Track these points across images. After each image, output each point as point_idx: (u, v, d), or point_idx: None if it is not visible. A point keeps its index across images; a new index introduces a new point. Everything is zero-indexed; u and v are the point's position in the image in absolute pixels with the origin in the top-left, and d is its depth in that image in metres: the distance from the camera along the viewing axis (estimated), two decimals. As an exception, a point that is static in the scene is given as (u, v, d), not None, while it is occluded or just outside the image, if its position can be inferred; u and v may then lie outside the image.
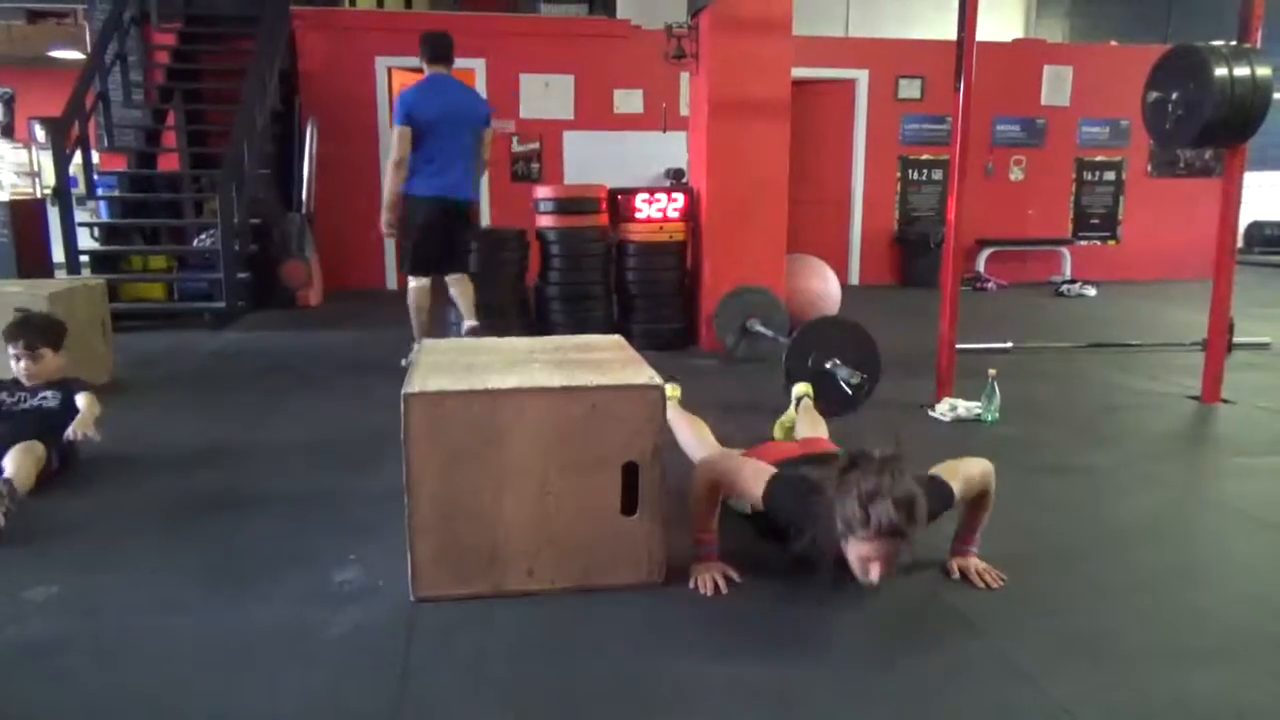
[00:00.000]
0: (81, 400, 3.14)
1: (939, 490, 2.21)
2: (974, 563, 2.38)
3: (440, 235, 4.74)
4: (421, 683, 1.86)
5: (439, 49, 4.81)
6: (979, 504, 2.38)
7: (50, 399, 3.18)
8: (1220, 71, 3.82)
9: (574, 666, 1.93)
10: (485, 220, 8.46)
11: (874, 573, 2.01)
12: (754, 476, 2.27)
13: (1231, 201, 4.15)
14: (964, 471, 2.32)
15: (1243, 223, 8.53)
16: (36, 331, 3.28)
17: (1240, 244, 9.90)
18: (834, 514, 2.02)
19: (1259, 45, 3.95)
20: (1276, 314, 6.91)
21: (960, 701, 1.82)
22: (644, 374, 2.28)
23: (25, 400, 3.17)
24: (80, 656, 1.95)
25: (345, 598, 2.22)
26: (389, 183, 4.66)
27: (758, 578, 2.34)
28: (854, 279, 9.29)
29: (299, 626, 2.08)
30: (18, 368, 3.23)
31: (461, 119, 4.74)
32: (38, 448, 2.90)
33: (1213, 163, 9.32)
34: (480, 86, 8.38)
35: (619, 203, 5.68)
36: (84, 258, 6.66)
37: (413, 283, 4.83)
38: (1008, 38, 10.17)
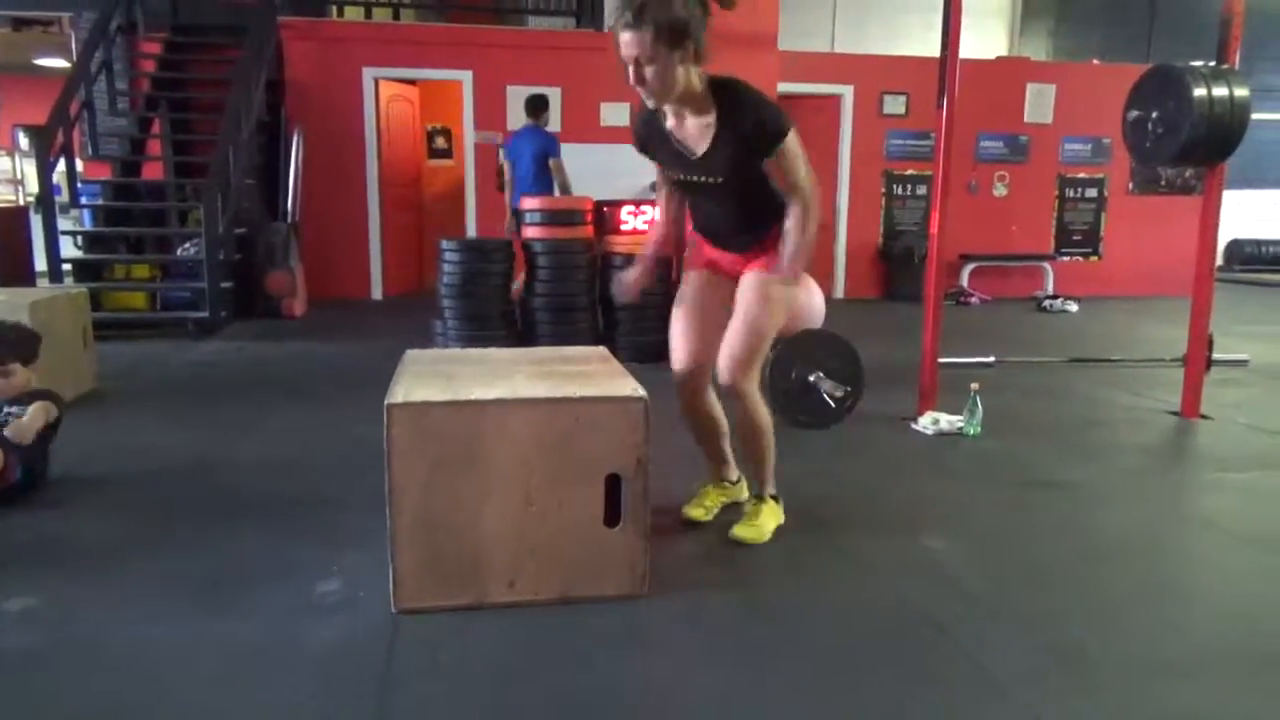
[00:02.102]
0: (31, 407, 3.00)
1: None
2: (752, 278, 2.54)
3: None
4: (403, 695, 1.85)
5: (528, 107, 6.97)
6: (795, 224, 2.45)
7: (17, 414, 3.00)
8: (1199, 91, 3.88)
9: (557, 678, 1.93)
10: (471, 231, 8.48)
11: (631, 77, 2.26)
12: None
13: (1211, 219, 4.20)
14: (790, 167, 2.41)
15: (1222, 240, 8.62)
16: (7, 346, 3.14)
17: (1220, 261, 10.01)
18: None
19: (1237, 66, 4.01)
20: (1255, 331, 6.99)
21: (933, 711, 1.82)
22: (628, 386, 2.29)
23: None
24: (57, 669, 1.93)
25: (327, 609, 2.21)
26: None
27: (740, 587, 2.35)
28: (838, 293, 9.34)
29: (280, 638, 2.07)
30: None
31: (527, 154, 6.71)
32: None
33: (1193, 181, 9.43)
34: (467, 98, 8.41)
35: (605, 215, 5.70)
36: (67, 266, 6.61)
37: None
38: (991, 55, 10.28)
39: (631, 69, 2.27)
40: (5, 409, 3.04)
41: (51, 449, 3.12)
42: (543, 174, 6.76)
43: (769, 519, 2.69)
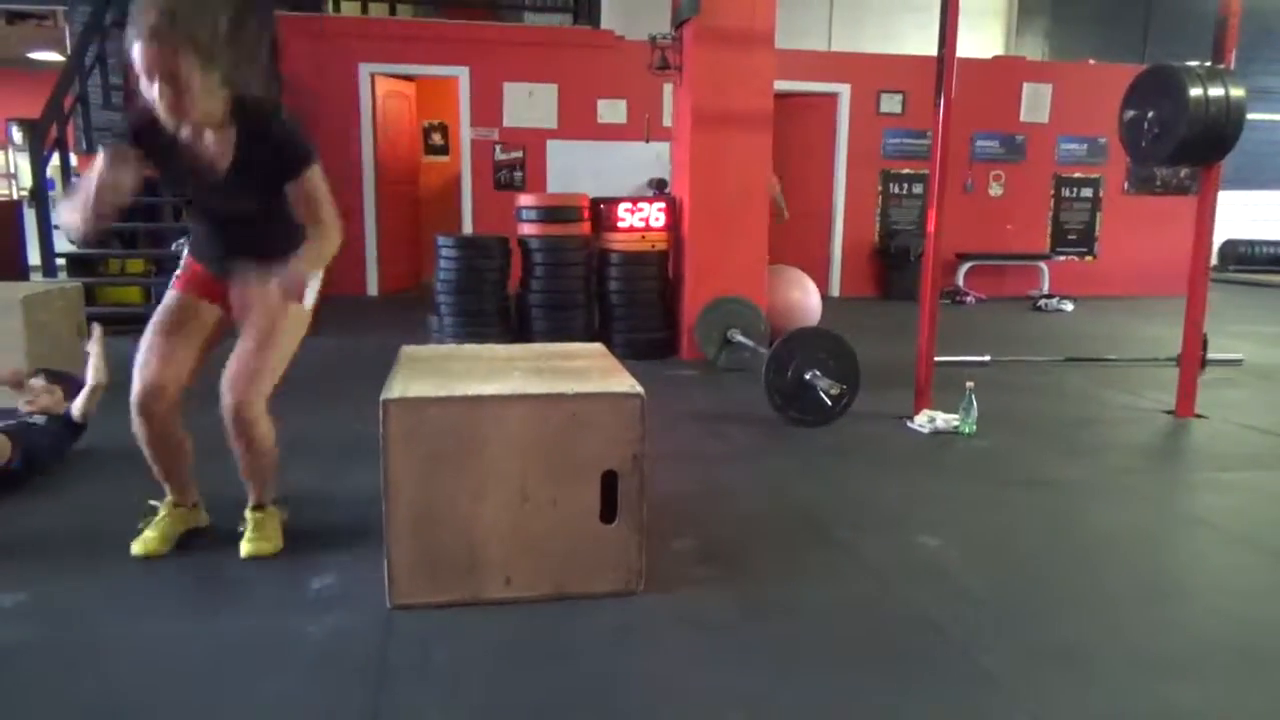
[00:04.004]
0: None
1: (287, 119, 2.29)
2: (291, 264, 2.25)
3: None
4: (397, 691, 1.85)
5: None
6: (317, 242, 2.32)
7: (38, 419, 3.23)
8: (1195, 92, 3.89)
9: (551, 675, 1.92)
10: (468, 228, 8.48)
11: (159, 94, 2.04)
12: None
13: (1206, 219, 4.21)
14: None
15: (1217, 240, 8.65)
16: (55, 373, 3.47)
17: (1214, 261, 10.05)
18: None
19: (1233, 67, 4.01)
20: (1250, 331, 7.01)
21: (930, 708, 1.82)
22: (624, 382, 2.28)
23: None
24: (48, 663, 1.92)
25: (322, 605, 2.21)
26: None
27: (735, 585, 2.35)
28: (835, 291, 9.35)
29: (275, 633, 2.06)
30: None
31: None
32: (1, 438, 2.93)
33: (1188, 181, 9.46)
34: (464, 94, 8.40)
35: (601, 212, 5.70)
36: (60, 261, 6.59)
37: None
38: (988, 55, 10.29)
39: (154, 84, 2.05)
40: (30, 417, 3.23)
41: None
42: None
43: (276, 525, 2.52)
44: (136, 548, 2.45)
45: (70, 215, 2.17)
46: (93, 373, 3.28)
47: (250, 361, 2.37)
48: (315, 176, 2.30)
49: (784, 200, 7.36)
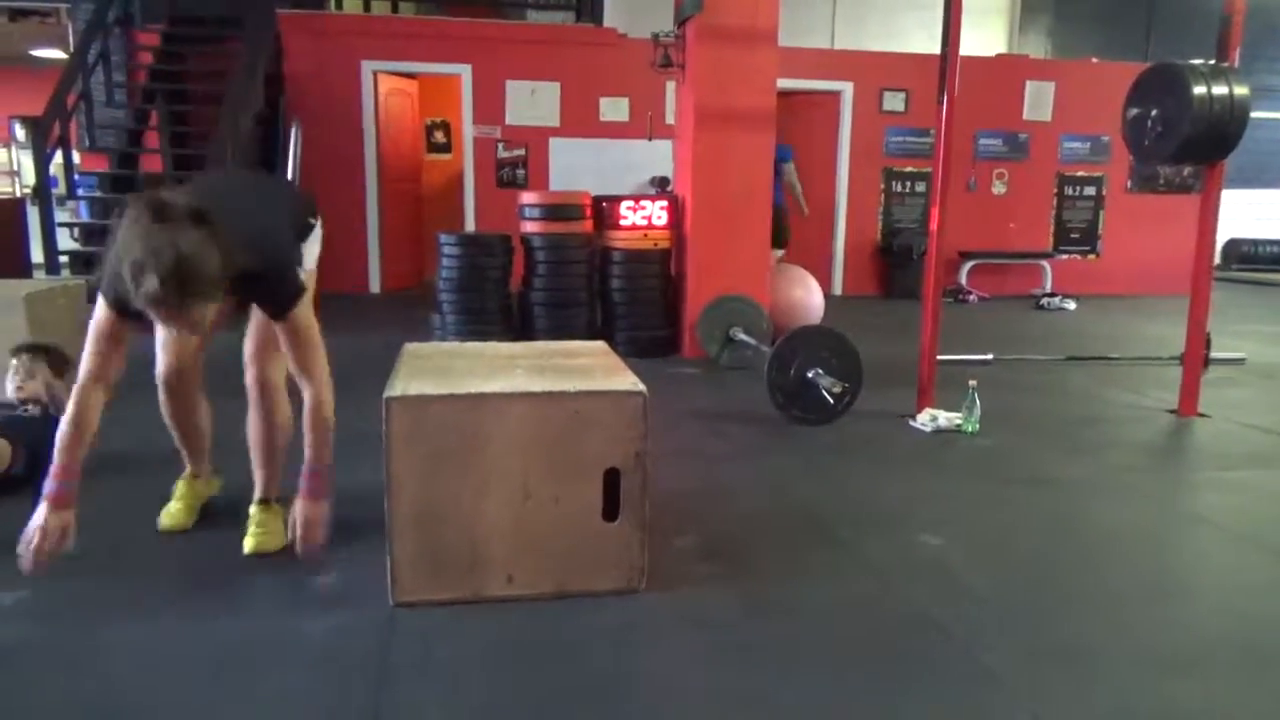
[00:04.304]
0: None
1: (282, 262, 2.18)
2: (301, 507, 2.19)
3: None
4: (399, 689, 1.85)
5: None
6: (309, 419, 2.21)
7: (33, 410, 3.18)
8: (1199, 90, 3.88)
9: (553, 673, 1.92)
10: (470, 225, 8.48)
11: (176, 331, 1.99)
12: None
13: (1209, 218, 4.20)
14: (302, 358, 2.23)
15: (1220, 239, 8.63)
16: (44, 352, 3.34)
17: (1218, 260, 10.04)
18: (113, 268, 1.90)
19: (1237, 65, 4.00)
20: (1253, 330, 7.00)
21: (936, 709, 1.82)
22: (627, 380, 2.28)
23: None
24: (49, 662, 1.93)
25: (324, 602, 2.21)
26: None
27: (737, 583, 2.35)
28: (837, 289, 9.34)
29: (277, 630, 2.07)
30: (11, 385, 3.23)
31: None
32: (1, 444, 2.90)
33: (1191, 180, 9.44)
34: (466, 92, 8.40)
35: (604, 210, 5.69)
36: (63, 258, 6.60)
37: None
38: (991, 53, 10.27)
39: (170, 328, 2.00)
40: (22, 408, 3.19)
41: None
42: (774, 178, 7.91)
43: (280, 521, 2.48)
44: (164, 520, 2.62)
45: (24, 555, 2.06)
46: None
47: (267, 333, 2.39)
48: (303, 316, 2.21)
49: (803, 197, 7.52)
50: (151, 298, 1.80)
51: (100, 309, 2.12)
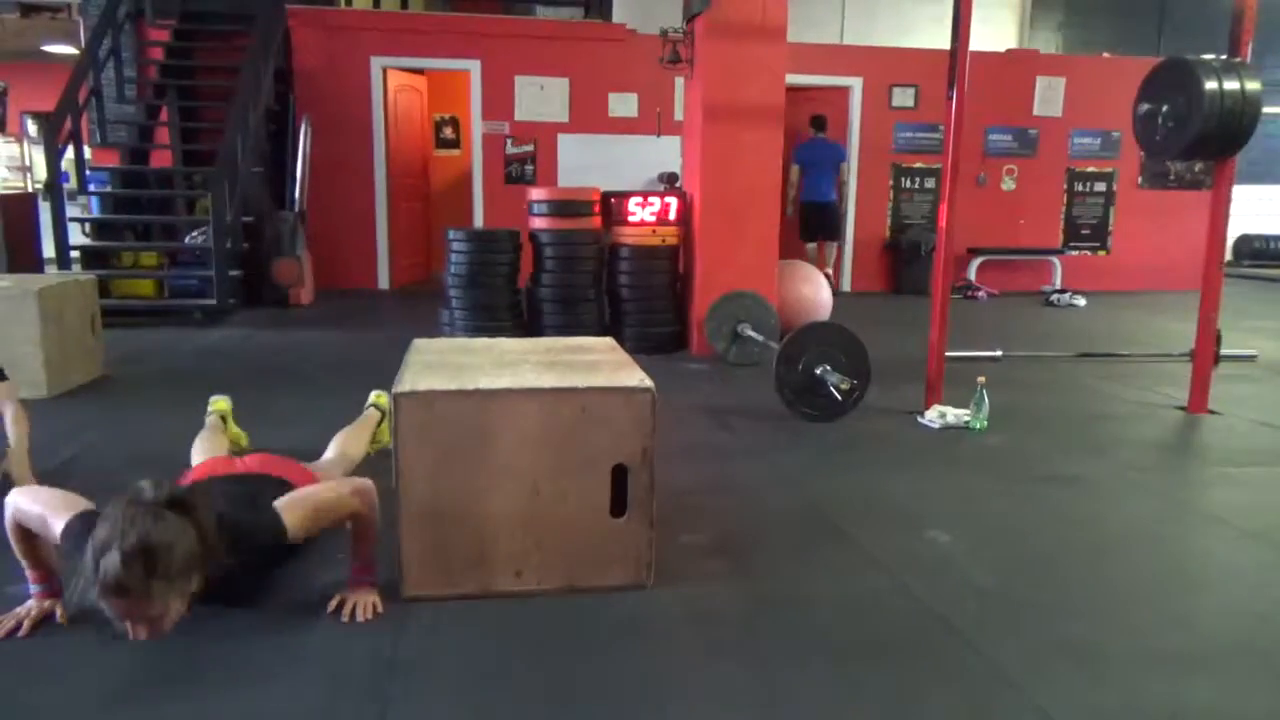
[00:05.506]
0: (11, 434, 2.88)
1: (255, 524, 2.00)
2: (358, 597, 2.13)
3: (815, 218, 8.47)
4: (408, 683, 1.86)
5: (816, 124, 8.48)
6: (355, 532, 2.16)
7: None
8: (1210, 85, 3.86)
9: (562, 668, 1.93)
10: (479, 221, 8.49)
11: (132, 633, 1.74)
12: (56, 511, 1.96)
13: (1220, 214, 4.18)
14: (316, 500, 2.12)
15: (1231, 235, 8.58)
16: None
17: (1228, 256, 9.98)
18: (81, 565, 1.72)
19: (1249, 60, 3.98)
20: (1263, 326, 6.96)
21: (945, 706, 1.82)
22: (635, 376, 2.29)
23: None
24: (49, 661, 1.94)
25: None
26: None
27: (745, 579, 2.35)
28: (845, 285, 9.32)
29: (286, 626, 2.08)
30: None
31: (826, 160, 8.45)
32: None
33: (1202, 175, 9.37)
34: (475, 88, 8.40)
35: (612, 206, 5.69)
36: (75, 253, 6.63)
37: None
38: (1001, 48, 10.22)
39: (130, 626, 1.75)
40: None
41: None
42: (834, 176, 8.58)
43: None
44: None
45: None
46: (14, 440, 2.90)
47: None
48: (300, 523, 2.06)
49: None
50: (108, 585, 1.65)
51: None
